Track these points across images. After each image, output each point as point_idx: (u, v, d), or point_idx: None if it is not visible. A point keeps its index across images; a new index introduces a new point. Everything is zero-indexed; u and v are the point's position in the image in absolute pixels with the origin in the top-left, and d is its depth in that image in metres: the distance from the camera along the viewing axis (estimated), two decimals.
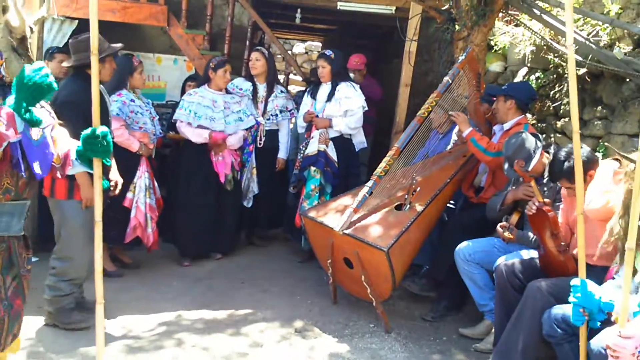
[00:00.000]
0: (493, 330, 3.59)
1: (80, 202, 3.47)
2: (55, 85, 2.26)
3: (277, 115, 5.22)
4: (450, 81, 4.04)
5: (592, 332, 2.51)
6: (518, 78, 5.27)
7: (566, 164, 3.10)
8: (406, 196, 3.99)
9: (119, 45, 3.83)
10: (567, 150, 3.17)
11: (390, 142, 5.25)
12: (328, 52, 5.04)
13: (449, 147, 4.70)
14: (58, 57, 4.70)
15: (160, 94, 6.75)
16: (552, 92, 4.68)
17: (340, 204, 4.11)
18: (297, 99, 5.78)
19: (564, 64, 4.52)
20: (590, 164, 3.04)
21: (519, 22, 4.89)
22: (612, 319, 2.37)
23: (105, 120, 3.28)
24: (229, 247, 5.16)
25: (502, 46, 5.58)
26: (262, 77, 5.19)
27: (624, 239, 2.31)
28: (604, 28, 4.17)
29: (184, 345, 3.50)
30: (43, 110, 2.45)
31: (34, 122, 2.28)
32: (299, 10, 6.77)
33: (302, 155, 4.94)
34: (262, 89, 5.21)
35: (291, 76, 12.71)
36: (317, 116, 4.94)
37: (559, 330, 2.82)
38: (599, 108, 4.08)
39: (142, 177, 4.47)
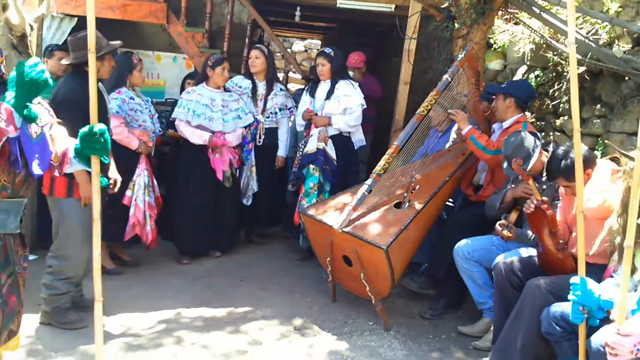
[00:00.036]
0: (492, 328, 3.59)
1: (79, 200, 3.47)
2: (50, 81, 2.25)
3: (276, 113, 5.22)
4: (450, 79, 4.04)
5: (591, 330, 2.52)
6: (517, 76, 5.27)
7: (563, 162, 3.11)
8: (405, 194, 3.99)
9: (118, 42, 3.82)
10: (565, 149, 3.17)
11: (390, 140, 5.25)
12: (327, 50, 5.03)
13: (448, 145, 4.71)
14: (57, 54, 4.70)
15: (160, 92, 6.75)
16: (551, 91, 4.68)
17: (340, 202, 4.11)
18: (297, 96, 5.77)
19: (563, 62, 4.52)
20: (587, 163, 3.04)
21: (518, 20, 4.89)
22: (611, 316, 2.38)
23: (103, 118, 3.28)
24: (228, 245, 5.16)
25: (502, 44, 5.58)
26: (261, 74, 5.19)
27: (622, 237, 2.31)
28: (603, 26, 4.17)
29: (184, 343, 3.50)
30: (42, 108, 2.44)
31: (31, 118, 2.28)
32: (298, 8, 6.76)
33: (301, 153, 4.94)
34: (261, 87, 5.21)
35: (290, 74, 12.69)
36: (316, 114, 4.94)
37: (557, 328, 2.83)
38: (598, 106, 4.08)
39: (141, 175, 4.47)
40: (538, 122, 4.83)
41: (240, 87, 5.20)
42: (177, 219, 4.91)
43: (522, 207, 3.48)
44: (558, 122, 4.51)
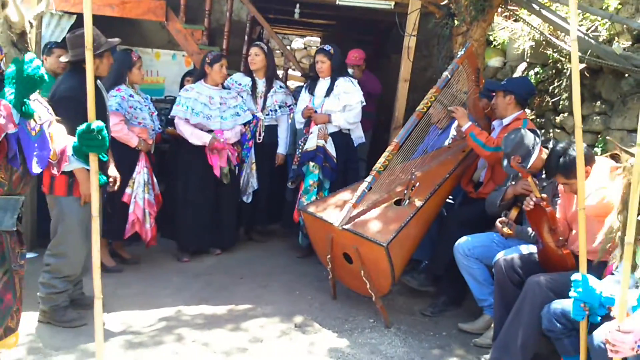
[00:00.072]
0: (492, 325, 3.60)
1: (79, 198, 3.47)
2: (46, 77, 2.25)
3: (276, 110, 5.22)
4: (450, 76, 4.03)
5: (591, 327, 2.52)
6: (517, 73, 5.27)
7: (562, 159, 3.11)
8: (405, 191, 3.99)
9: (117, 40, 3.81)
10: (563, 146, 3.17)
11: (389, 138, 5.25)
12: (327, 47, 5.02)
13: (447, 142, 4.70)
14: (56, 52, 4.69)
15: (159, 89, 6.75)
16: (551, 88, 4.68)
17: (340, 199, 4.11)
18: (296, 94, 5.77)
19: (563, 59, 4.52)
20: (586, 160, 3.03)
21: (518, 17, 4.89)
22: (612, 313, 2.38)
23: (102, 115, 3.28)
24: (228, 243, 5.16)
25: (501, 41, 5.58)
26: (261, 72, 5.19)
27: (623, 234, 2.31)
28: (603, 23, 4.17)
29: (184, 341, 3.51)
30: (41, 106, 2.44)
31: (29, 115, 2.28)
32: (297, 6, 6.74)
33: (300, 150, 4.94)
34: (261, 84, 5.21)
35: (290, 71, 12.67)
36: (315, 112, 4.93)
37: (558, 324, 2.84)
38: (598, 103, 4.08)
39: (141, 172, 4.47)
40: (538, 119, 4.83)
41: (240, 84, 5.19)
42: (177, 216, 4.91)
43: (522, 204, 3.48)
44: (558, 119, 4.51)
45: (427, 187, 4.01)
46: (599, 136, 4.02)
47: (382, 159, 3.91)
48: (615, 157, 3.00)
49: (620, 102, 3.86)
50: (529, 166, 3.47)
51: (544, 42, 4.70)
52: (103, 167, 3.47)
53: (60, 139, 2.48)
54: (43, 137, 2.38)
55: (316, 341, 3.61)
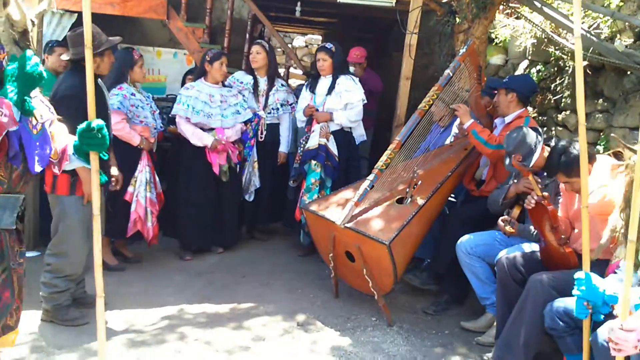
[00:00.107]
0: (495, 323, 3.59)
1: (81, 197, 3.47)
2: (45, 74, 2.25)
3: (278, 109, 5.22)
4: (451, 74, 4.03)
5: (594, 325, 2.52)
6: (519, 71, 5.26)
7: (562, 158, 3.10)
8: (407, 190, 3.99)
9: (117, 38, 3.81)
10: (564, 144, 3.17)
11: (391, 136, 5.24)
12: (329, 45, 5.02)
13: (449, 140, 4.70)
14: (58, 50, 4.69)
15: (161, 88, 6.75)
16: (553, 85, 4.68)
17: (342, 197, 4.11)
18: (298, 92, 5.77)
19: (565, 56, 4.52)
20: (588, 158, 3.03)
21: (519, 14, 4.88)
22: (615, 312, 2.37)
23: (103, 114, 3.27)
24: (230, 241, 5.16)
25: (503, 39, 5.57)
26: (262, 70, 5.18)
27: (625, 232, 2.30)
28: (605, 20, 4.16)
29: (187, 339, 3.51)
30: (43, 105, 2.44)
31: (29, 112, 2.28)
32: (298, 4, 6.74)
33: (302, 148, 4.93)
34: (262, 83, 5.20)
35: (291, 70, 12.65)
36: (317, 110, 4.93)
37: (560, 323, 2.83)
38: (600, 101, 4.08)
39: (143, 171, 4.47)
40: (540, 117, 4.83)
41: (241, 82, 5.19)
42: (179, 215, 4.91)
43: (524, 202, 3.47)
44: (560, 117, 4.50)
45: (429, 186, 4.01)
46: (601, 134, 4.01)
47: (384, 157, 3.91)
48: (617, 155, 2.99)
49: (622, 99, 3.85)
50: (531, 165, 3.47)
51: (545, 40, 4.69)
52: (104, 166, 3.47)
53: (62, 137, 2.48)
54: (44, 136, 2.37)
55: (318, 340, 3.61)
